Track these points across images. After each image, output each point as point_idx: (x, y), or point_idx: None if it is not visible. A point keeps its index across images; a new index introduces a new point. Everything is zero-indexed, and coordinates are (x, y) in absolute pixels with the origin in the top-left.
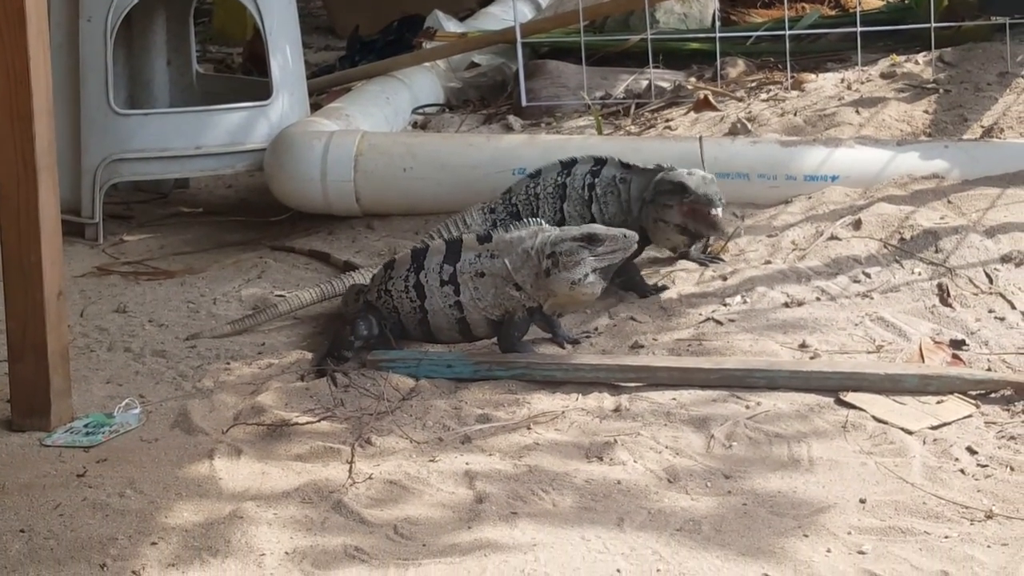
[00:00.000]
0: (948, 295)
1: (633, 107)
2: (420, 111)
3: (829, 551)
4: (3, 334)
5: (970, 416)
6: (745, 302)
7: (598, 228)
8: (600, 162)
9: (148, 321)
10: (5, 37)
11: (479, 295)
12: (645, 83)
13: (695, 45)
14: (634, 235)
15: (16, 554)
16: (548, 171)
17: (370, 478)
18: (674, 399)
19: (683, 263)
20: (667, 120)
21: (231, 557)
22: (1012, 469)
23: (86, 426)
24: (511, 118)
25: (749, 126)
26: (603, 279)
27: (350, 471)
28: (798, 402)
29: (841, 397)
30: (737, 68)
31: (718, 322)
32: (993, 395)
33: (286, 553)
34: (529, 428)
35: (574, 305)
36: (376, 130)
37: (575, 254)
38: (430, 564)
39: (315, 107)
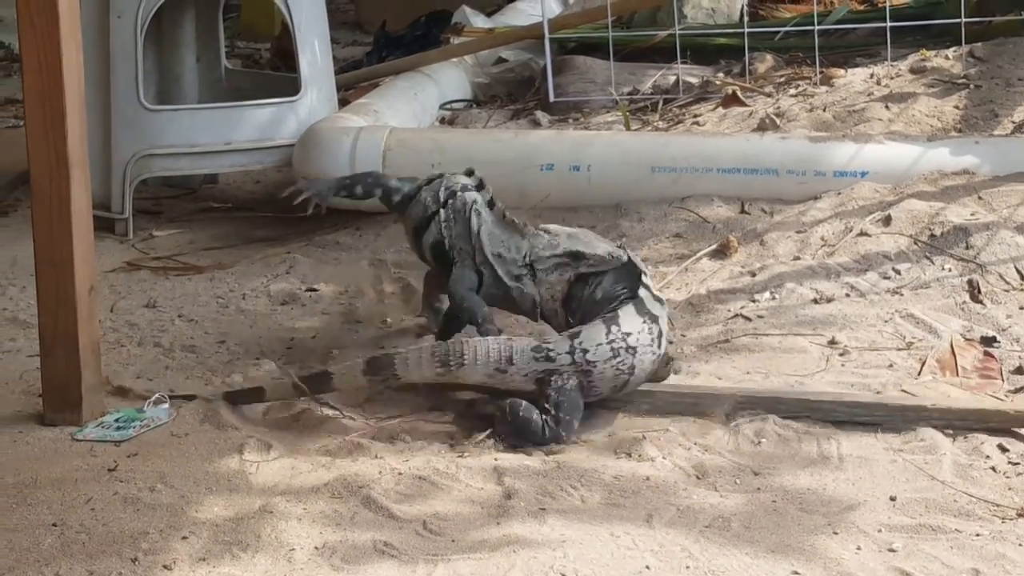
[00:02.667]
0: (979, 292)
1: (661, 103)
2: (448, 107)
3: (859, 549)
4: (35, 329)
5: None
6: (774, 298)
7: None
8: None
9: (178, 316)
10: (38, 32)
11: None
12: (673, 79)
13: (723, 40)
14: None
15: (48, 548)
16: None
17: (399, 474)
18: None
19: (704, 260)
20: (695, 116)
21: (261, 552)
22: None
23: (117, 420)
24: (539, 114)
25: (778, 122)
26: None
27: (384, 465)
28: None
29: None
30: (765, 63)
31: (746, 318)
32: None
33: (316, 548)
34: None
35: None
36: (404, 126)
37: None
38: (459, 560)
39: (343, 103)
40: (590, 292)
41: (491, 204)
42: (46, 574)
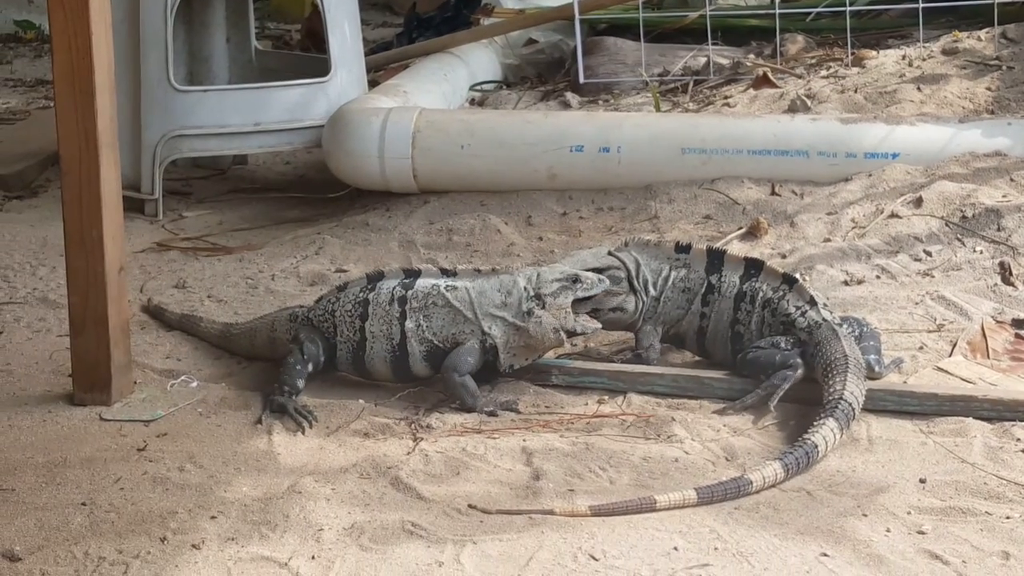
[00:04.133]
0: (1010, 274)
1: (691, 84)
2: (478, 88)
3: (888, 531)
4: (65, 309)
5: None
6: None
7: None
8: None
9: (207, 296)
10: (68, 13)
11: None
12: (704, 60)
13: (754, 22)
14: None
15: (78, 527)
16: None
17: (427, 454)
18: None
19: (734, 242)
20: (726, 97)
21: (289, 532)
22: None
23: (145, 400)
24: (569, 95)
25: (809, 103)
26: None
27: (412, 445)
28: None
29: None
30: (797, 45)
31: None
32: None
33: (344, 528)
34: (599, 403)
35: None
36: (434, 107)
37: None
38: (487, 540)
39: (373, 84)
40: (758, 318)
41: (451, 273)
42: (76, 553)
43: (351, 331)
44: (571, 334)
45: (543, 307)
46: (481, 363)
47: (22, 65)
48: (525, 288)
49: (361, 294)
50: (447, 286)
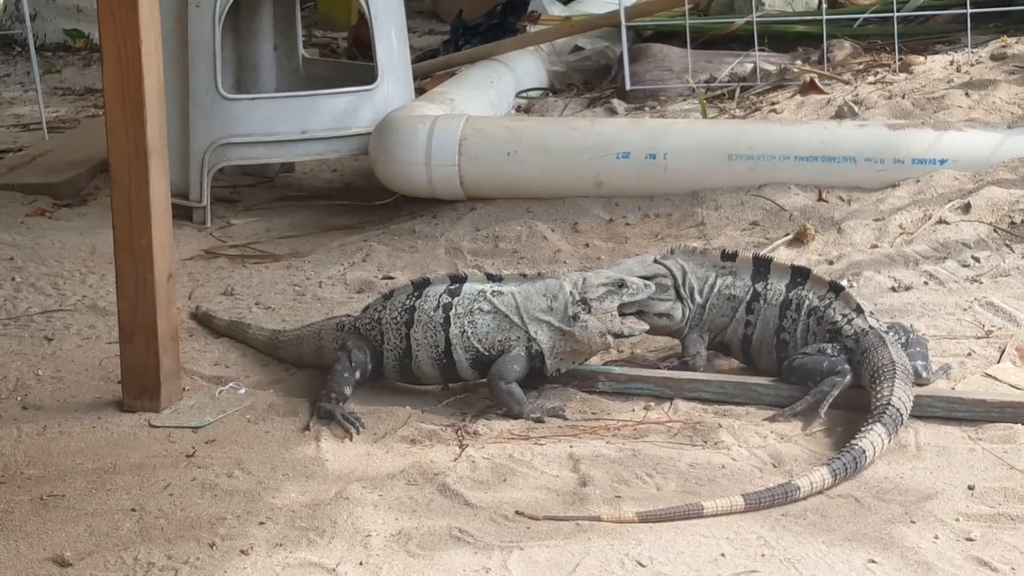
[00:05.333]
0: None
1: (738, 90)
2: (524, 95)
3: (936, 538)
4: (114, 316)
5: None
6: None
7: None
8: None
9: (255, 304)
10: (118, 22)
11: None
12: (750, 66)
13: (801, 28)
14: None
15: (127, 532)
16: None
17: (474, 461)
18: None
19: (781, 248)
20: (772, 103)
21: (337, 538)
22: None
23: (194, 407)
24: (615, 102)
25: (856, 109)
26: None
27: (459, 452)
28: None
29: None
30: (844, 51)
31: None
32: None
33: (391, 534)
34: (646, 409)
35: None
36: (480, 114)
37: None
38: (534, 547)
39: (419, 91)
40: (804, 326)
41: (497, 278)
42: (125, 559)
43: (397, 339)
44: (618, 336)
45: (589, 311)
46: (527, 370)
47: (71, 74)
48: (571, 293)
49: (408, 301)
50: (493, 291)
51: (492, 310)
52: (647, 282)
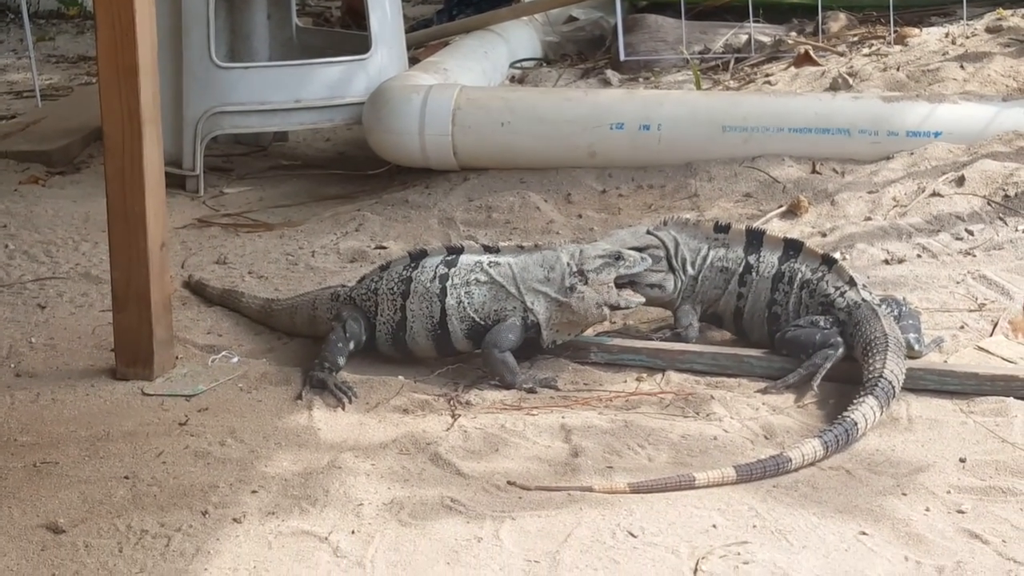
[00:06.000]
0: None
1: (732, 62)
2: (518, 65)
3: (928, 510)
4: (107, 284)
5: None
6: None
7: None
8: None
9: (248, 273)
10: None
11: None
12: (745, 38)
13: None
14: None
15: (120, 500)
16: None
17: (466, 431)
18: None
19: (774, 220)
20: (767, 75)
21: (329, 507)
22: None
23: (187, 375)
24: (609, 72)
25: (850, 81)
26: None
27: (451, 422)
28: None
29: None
30: (839, 22)
31: None
32: None
33: (384, 503)
34: (638, 380)
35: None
36: (474, 84)
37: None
38: (526, 516)
39: (413, 61)
40: (796, 298)
41: (494, 250)
42: (118, 525)
43: (392, 310)
44: (614, 308)
45: (586, 283)
46: (522, 339)
47: (64, 41)
48: (568, 264)
49: (404, 272)
50: (490, 262)
51: (489, 281)
52: (643, 256)
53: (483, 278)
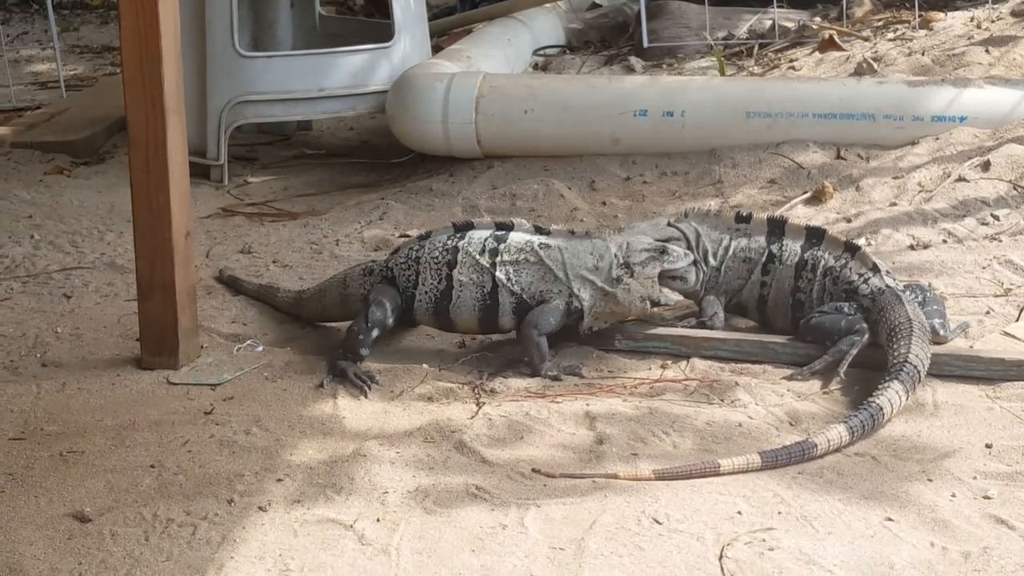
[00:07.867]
0: None
1: (756, 48)
2: (541, 52)
3: (954, 496)
4: (132, 273)
5: None
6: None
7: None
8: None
9: (272, 262)
10: None
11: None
12: (769, 23)
13: None
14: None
15: (147, 488)
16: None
17: (491, 418)
18: None
19: (799, 206)
20: (791, 61)
21: (355, 495)
22: None
23: (212, 364)
24: (632, 59)
25: (875, 66)
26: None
27: (476, 410)
28: None
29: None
30: (863, 7)
31: None
32: None
33: (408, 491)
34: (663, 368)
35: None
36: (497, 72)
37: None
38: (550, 504)
39: (436, 49)
40: (819, 286)
41: (545, 232)
42: (144, 514)
43: (436, 279)
44: (655, 304)
45: (632, 275)
46: (561, 325)
47: (89, 32)
48: (616, 255)
49: (450, 242)
50: (541, 243)
51: (538, 262)
52: (687, 252)
53: (532, 259)
